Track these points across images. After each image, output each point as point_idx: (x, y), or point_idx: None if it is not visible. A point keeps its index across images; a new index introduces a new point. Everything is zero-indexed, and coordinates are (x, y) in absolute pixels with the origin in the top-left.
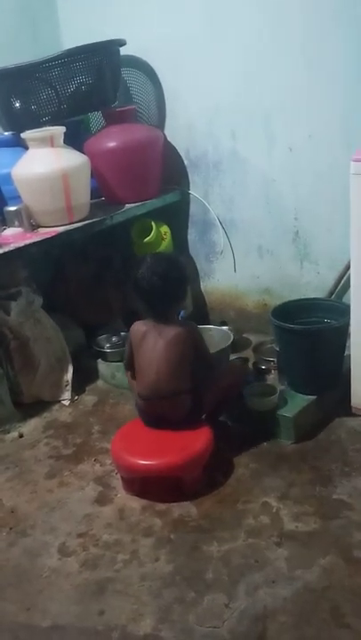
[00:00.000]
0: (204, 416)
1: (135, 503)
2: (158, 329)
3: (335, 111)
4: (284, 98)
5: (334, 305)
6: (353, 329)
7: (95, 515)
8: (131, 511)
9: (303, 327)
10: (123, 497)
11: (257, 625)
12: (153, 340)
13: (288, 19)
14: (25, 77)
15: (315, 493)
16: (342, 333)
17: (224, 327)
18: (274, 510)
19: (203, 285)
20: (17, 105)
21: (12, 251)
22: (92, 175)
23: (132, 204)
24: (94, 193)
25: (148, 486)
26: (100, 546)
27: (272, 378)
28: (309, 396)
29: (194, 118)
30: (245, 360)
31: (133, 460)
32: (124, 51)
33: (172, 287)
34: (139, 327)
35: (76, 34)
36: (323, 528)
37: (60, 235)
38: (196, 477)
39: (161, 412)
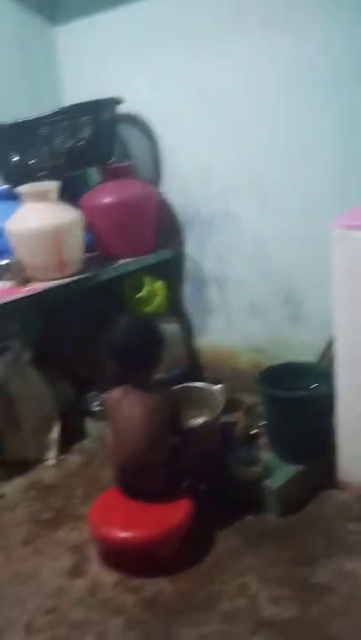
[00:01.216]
0: (186, 483)
1: (109, 577)
2: (135, 396)
3: (324, 175)
4: (274, 160)
5: (323, 370)
6: (339, 397)
7: (67, 588)
8: (103, 586)
9: (287, 393)
10: (97, 569)
11: None
12: (129, 409)
13: (273, 88)
14: (23, 132)
15: (296, 575)
16: (331, 400)
17: (217, 386)
18: (252, 592)
19: (197, 342)
20: (15, 159)
21: (1, 305)
22: (88, 230)
23: (126, 260)
24: (90, 247)
25: (124, 559)
26: (68, 624)
27: (262, 443)
28: (297, 466)
29: (189, 176)
30: (234, 423)
31: (108, 532)
32: (124, 108)
33: (148, 349)
34: (113, 395)
35: (77, 92)
36: (301, 615)
37: (49, 290)
38: (172, 552)
39: (137, 483)
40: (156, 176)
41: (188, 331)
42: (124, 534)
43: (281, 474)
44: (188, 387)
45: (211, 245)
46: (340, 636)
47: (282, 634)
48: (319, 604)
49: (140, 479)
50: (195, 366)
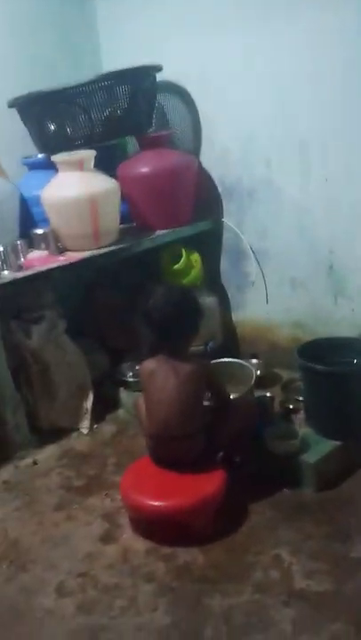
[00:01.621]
0: (220, 454)
1: (140, 544)
2: (169, 366)
3: None
4: (320, 126)
5: None
6: None
7: (98, 554)
8: (135, 553)
9: (328, 368)
10: (129, 537)
11: None
12: (163, 379)
13: (327, 47)
14: (59, 100)
15: (331, 549)
16: None
17: (254, 360)
18: (285, 565)
19: (234, 316)
20: (51, 127)
21: (35, 274)
22: (124, 200)
23: (163, 231)
24: (126, 218)
25: (156, 528)
26: (98, 588)
27: (300, 418)
28: (335, 442)
29: (229, 145)
30: (271, 398)
31: (141, 501)
32: (162, 76)
33: (185, 319)
34: (147, 365)
35: (116, 61)
36: (336, 589)
37: (85, 260)
38: (205, 523)
39: (171, 453)
40: (195, 145)
41: (224, 304)
42: (156, 503)
43: (319, 449)
44: (224, 362)
45: (251, 217)
46: None
47: (315, 607)
48: (354, 580)
49: (174, 448)
50: (231, 340)
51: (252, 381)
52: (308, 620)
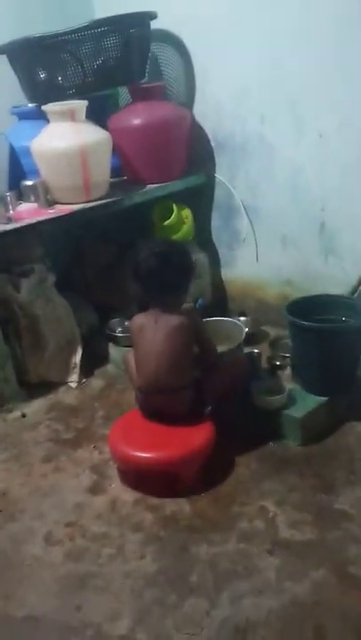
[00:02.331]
0: (209, 408)
1: (128, 495)
2: (159, 320)
3: None
4: (314, 82)
5: (355, 304)
6: None
7: (86, 504)
8: (123, 504)
9: (316, 325)
10: (117, 488)
11: (236, 637)
12: (151, 333)
13: (312, 8)
14: (49, 48)
15: (315, 501)
16: (360, 334)
17: (242, 318)
18: (270, 515)
19: (223, 273)
20: (41, 76)
21: (24, 227)
22: (115, 153)
23: (154, 185)
24: (116, 171)
25: (143, 479)
26: (86, 537)
27: (286, 374)
28: (321, 398)
29: (222, 99)
30: (258, 354)
31: (129, 452)
32: (156, 25)
33: (174, 273)
34: (137, 320)
35: (109, 7)
36: (319, 539)
37: (74, 213)
38: (192, 474)
39: (160, 406)
40: (188, 98)
41: (214, 261)
42: (144, 454)
43: (305, 404)
44: (214, 320)
45: (243, 172)
46: (356, 560)
47: (298, 555)
48: (337, 530)
49: (163, 402)
50: (220, 298)
51: (242, 337)
52: (292, 568)
